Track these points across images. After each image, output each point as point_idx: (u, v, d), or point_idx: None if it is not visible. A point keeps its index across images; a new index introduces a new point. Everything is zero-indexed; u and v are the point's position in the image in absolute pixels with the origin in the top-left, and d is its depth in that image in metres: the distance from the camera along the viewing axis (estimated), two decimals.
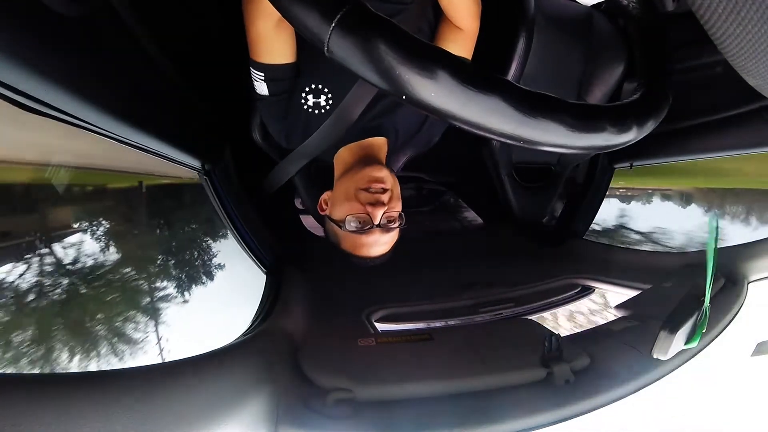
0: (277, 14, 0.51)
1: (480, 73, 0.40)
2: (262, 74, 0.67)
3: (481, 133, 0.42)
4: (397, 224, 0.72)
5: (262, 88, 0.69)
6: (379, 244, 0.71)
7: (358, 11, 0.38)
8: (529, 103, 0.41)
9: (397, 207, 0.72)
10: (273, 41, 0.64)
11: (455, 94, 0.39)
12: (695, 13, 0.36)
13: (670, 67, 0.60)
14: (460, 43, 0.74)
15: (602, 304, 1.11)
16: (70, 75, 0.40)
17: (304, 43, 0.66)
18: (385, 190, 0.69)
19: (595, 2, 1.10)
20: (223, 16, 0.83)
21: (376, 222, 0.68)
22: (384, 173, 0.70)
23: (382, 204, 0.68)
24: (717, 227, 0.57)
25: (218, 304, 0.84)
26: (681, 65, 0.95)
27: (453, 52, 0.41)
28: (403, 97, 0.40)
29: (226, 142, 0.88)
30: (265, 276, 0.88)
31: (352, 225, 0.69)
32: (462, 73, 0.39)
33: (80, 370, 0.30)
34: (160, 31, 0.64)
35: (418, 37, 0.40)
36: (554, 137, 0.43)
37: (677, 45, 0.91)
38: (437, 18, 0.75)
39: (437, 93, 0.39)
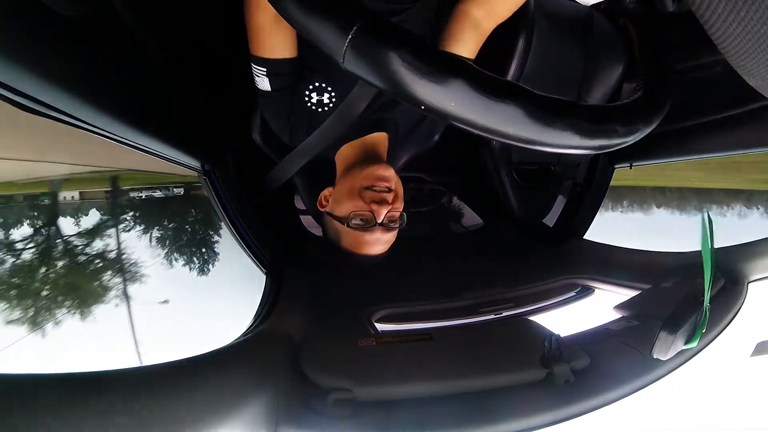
0: None
1: (498, 82, 0.40)
2: (264, 69, 0.67)
3: (500, 139, 0.42)
4: (398, 224, 0.72)
5: (264, 83, 0.69)
6: (380, 242, 0.72)
7: (372, 26, 0.38)
8: (546, 109, 0.41)
9: (400, 207, 0.72)
10: (273, 36, 0.64)
11: (474, 103, 0.39)
12: (695, 13, 0.36)
13: (671, 64, 0.60)
14: (472, 39, 0.67)
15: (602, 304, 1.11)
16: (70, 75, 0.40)
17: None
18: (390, 190, 0.70)
19: (595, 2, 1.10)
20: (223, 16, 0.83)
21: (380, 220, 0.69)
22: (390, 173, 0.70)
23: (387, 203, 0.69)
24: (711, 226, 0.57)
25: None
26: (681, 65, 0.95)
27: (463, 50, 0.39)
28: (422, 108, 0.40)
29: (226, 142, 0.88)
30: (264, 276, 0.88)
31: (355, 222, 0.69)
32: (480, 82, 0.39)
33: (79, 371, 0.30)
34: (160, 32, 0.64)
35: (433, 46, 0.39)
36: (570, 140, 0.43)
37: (677, 45, 0.91)
38: (438, 18, 0.75)
39: (456, 103, 0.39)
